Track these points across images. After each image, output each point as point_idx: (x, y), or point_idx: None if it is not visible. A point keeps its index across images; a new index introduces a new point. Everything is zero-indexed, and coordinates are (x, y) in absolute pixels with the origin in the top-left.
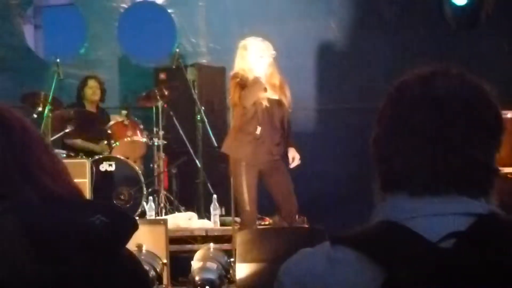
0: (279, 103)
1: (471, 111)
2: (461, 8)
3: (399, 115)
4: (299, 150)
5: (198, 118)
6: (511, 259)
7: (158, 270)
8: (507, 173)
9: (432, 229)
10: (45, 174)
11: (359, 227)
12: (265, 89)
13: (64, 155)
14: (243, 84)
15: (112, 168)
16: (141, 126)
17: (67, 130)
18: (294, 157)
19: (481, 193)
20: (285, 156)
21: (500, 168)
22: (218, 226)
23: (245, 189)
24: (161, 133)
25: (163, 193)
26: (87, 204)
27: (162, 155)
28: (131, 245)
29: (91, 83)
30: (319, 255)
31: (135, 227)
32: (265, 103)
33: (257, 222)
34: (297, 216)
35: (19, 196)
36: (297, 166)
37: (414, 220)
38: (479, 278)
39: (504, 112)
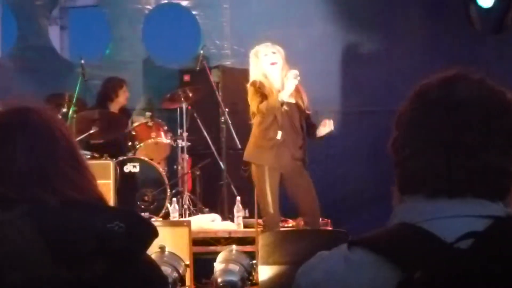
0: (297, 106)
1: (489, 116)
2: (487, 11)
3: (417, 118)
4: (324, 153)
5: (222, 120)
6: None
7: (180, 271)
8: None
9: (448, 231)
10: (65, 182)
11: (376, 229)
12: (282, 104)
13: (88, 156)
14: (261, 92)
15: (136, 169)
16: (165, 128)
17: (91, 131)
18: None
19: (498, 196)
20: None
21: None
22: (242, 228)
23: (268, 192)
24: (185, 134)
25: (186, 194)
26: (107, 210)
27: (186, 156)
28: (153, 247)
29: (126, 87)
30: (337, 258)
31: (154, 235)
32: (284, 107)
33: (280, 225)
34: (320, 220)
35: (37, 200)
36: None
37: (431, 222)
38: (495, 278)
39: None
